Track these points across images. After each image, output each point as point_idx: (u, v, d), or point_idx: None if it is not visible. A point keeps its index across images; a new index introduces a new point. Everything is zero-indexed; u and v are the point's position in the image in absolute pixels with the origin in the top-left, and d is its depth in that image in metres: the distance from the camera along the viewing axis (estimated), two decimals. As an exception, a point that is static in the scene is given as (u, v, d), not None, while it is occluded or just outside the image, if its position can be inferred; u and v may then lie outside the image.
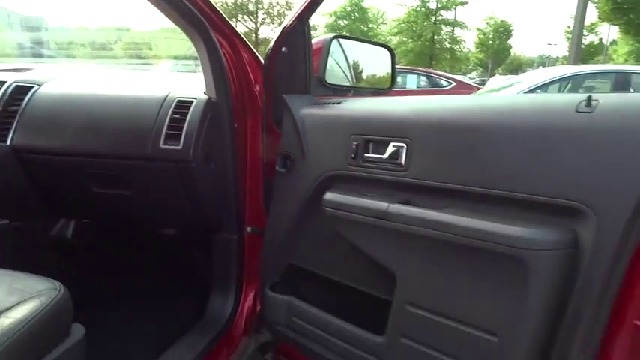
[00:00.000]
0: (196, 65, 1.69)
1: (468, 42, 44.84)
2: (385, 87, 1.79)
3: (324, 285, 1.45)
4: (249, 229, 1.73)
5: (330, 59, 1.64)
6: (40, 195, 1.76)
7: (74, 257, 1.98)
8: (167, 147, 1.51)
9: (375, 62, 1.87)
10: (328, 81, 1.62)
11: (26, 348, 0.99)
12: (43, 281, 1.17)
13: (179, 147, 1.50)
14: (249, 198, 1.73)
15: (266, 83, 1.60)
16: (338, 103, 1.42)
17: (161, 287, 2.02)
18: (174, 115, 1.54)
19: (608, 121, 0.91)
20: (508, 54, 46.99)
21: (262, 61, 1.66)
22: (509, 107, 1.07)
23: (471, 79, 24.41)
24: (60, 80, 1.77)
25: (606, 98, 0.94)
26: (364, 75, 1.96)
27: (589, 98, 0.94)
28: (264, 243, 1.61)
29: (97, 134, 1.58)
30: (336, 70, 1.74)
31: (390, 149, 1.22)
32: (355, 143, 1.29)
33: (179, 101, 1.56)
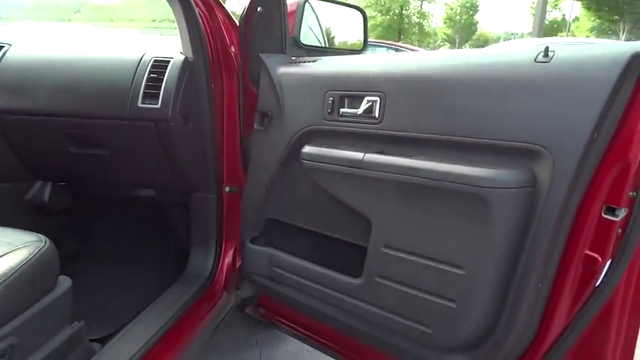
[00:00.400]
0: (165, 29, 1.71)
1: (436, 17, 45.05)
2: (358, 49, 1.84)
3: (303, 236, 1.52)
4: (227, 188, 1.78)
5: (304, 21, 1.68)
6: (16, 157, 1.76)
7: (51, 220, 1.99)
8: (145, 106, 1.54)
9: (347, 24, 1.92)
10: (303, 42, 1.67)
11: (14, 296, 1.03)
12: (28, 235, 1.20)
13: (158, 106, 1.53)
14: (226, 158, 1.77)
15: (242, 42, 1.63)
16: (314, 62, 1.47)
17: (141, 247, 2.06)
18: (152, 75, 1.56)
19: (564, 70, 1.00)
20: (475, 29, 47.42)
21: (237, 22, 1.69)
22: (473, 61, 1.15)
23: (439, 53, 24.49)
24: (31, 40, 1.76)
25: (562, 50, 1.03)
26: (337, 37, 2.01)
27: (546, 49, 1.03)
28: (243, 199, 1.67)
29: (74, 94, 1.58)
30: (309, 32, 1.78)
31: (364, 103, 1.29)
32: (331, 99, 1.35)
33: (156, 61, 1.58)
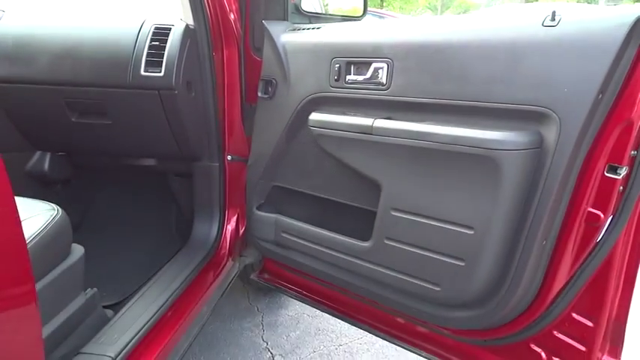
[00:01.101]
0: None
1: (418, -17, 44.37)
2: (357, 15, 1.84)
3: (310, 202, 1.55)
4: (229, 157, 1.79)
5: (304, -14, 1.67)
6: (14, 127, 1.74)
7: (51, 191, 1.99)
8: (149, 74, 1.52)
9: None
10: (304, 9, 1.66)
11: (32, 264, 1.05)
12: (41, 203, 1.21)
13: (161, 74, 1.52)
14: (227, 126, 1.78)
15: (243, 10, 1.62)
16: (317, 29, 1.47)
17: (143, 216, 2.07)
18: (153, 42, 1.54)
19: (571, 34, 1.03)
20: (456, -5, 46.96)
21: None
22: (480, 25, 1.17)
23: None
24: (24, 7, 1.71)
25: (568, 13, 1.06)
26: (334, 3, 1.99)
27: (553, 13, 1.05)
28: (248, 167, 1.69)
29: (73, 62, 1.56)
30: (312, -1, 1.77)
31: (371, 70, 1.30)
32: (337, 66, 1.36)
33: (157, 28, 1.56)
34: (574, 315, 1.21)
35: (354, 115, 1.33)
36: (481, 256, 1.16)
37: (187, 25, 1.58)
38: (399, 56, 1.25)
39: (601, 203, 1.08)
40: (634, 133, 1.01)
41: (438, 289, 1.25)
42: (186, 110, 1.62)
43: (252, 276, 1.93)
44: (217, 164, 1.77)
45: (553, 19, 1.05)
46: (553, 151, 1.05)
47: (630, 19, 0.96)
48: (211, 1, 1.63)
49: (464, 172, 1.15)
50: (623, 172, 1.05)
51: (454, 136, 1.14)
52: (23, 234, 0.77)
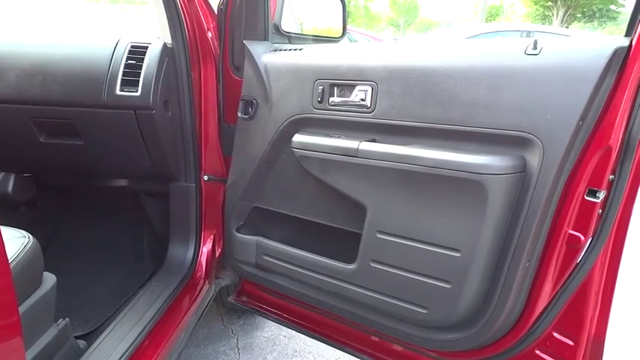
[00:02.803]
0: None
1: (381, 1, 45.44)
2: (336, 37, 1.85)
3: (292, 224, 1.53)
4: (205, 177, 1.76)
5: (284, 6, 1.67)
6: None
7: (15, 213, 1.89)
8: (124, 93, 1.48)
9: (326, 12, 1.92)
10: (284, 28, 1.66)
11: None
12: (10, 230, 1.14)
13: (138, 93, 1.48)
14: (204, 146, 1.75)
15: (221, 28, 1.60)
16: (300, 50, 1.47)
17: (115, 239, 2.00)
18: (130, 61, 1.50)
19: (553, 62, 1.06)
20: (418, 14, 48.26)
21: (213, 7, 1.65)
22: (465, 51, 1.19)
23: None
24: None
25: (549, 43, 1.09)
26: (316, 24, 2.00)
27: (535, 42, 1.09)
28: (227, 187, 1.65)
29: (44, 80, 1.50)
30: (289, 18, 1.77)
31: (356, 92, 1.31)
32: (321, 87, 1.36)
33: (133, 46, 1.53)
34: (555, 334, 1.23)
35: (339, 138, 1.33)
36: (467, 279, 1.17)
37: (165, 44, 1.55)
38: (384, 79, 1.26)
39: (581, 226, 1.11)
40: (612, 158, 1.05)
41: (424, 311, 1.25)
42: (163, 130, 1.58)
43: (230, 299, 1.89)
44: (194, 184, 1.73)
45: (535, 48, 1.08)
46: (537, 175, 1.08)
47: (609, 50, 1.00)
48: (190, 20, 1.61)
49: (450, 195, 1.17)
50: (602, 195, 1.08)
51: (440, 160, 1.15)
52: (8, 261, 0.72)
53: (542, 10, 29.40)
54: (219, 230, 1.78)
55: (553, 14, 27.30)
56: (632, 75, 1.00)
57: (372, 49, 1.35)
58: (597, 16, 29.08)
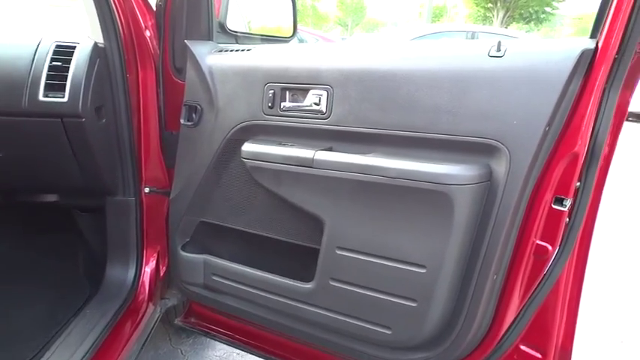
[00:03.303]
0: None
1: (328, 0, 45.68)
2: (287, 36, 1.75)
3: (243, 240, 1.42)
4: (146, 189, 1.61)
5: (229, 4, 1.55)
6: None
7: None
8: (49, 99, 1.31)
9: (275, 10, 1.81)
10: (230, 27, 1.54)
11: None
12: None
13: (64, 99, 1.32)
14: (144, 156, 1.59)
15: (161, 27, 1.46)
16: (248, 51, 1.36)
17: (46, 261, 1.80)
18: (55, 63, 1.33)
19: (518, 64, 1.00)
20: (365, 14, 48.85)
21: (151, 3, 1.51)
22: (426, 53, 1.12)
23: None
24: None
25: (512, 44, 1.04)
26: (265, 23, 1.88)
27: (499, 44, 1.03)
28: (170, 201, 1.51)
29: None
30: (236, 16, 1.65)
31: (310, 97, 1.21)
32: (271, 92, 1.26)
33: (58, 46, 1.36)
34: (523, 347, 1.19)
35: (292, 146, 1.23)
36: (434, 296, 1.10)
37: (96, 43, 1.39)
38: (340, 83, 1.17)
39: (549, 235, 1.06)
40: (579, 165, 1.00)
41: (388, 332, 1.17)
42: (96, 139, 1.42)
43: (177, 321, 1.74)
44: (133, 198, 1.58)
45: (499, 50, 1.02)
46: (504, 185, 1.02)
47: (575, 52, 0.95)
48: (124, 17, 1.46)
49: (413, 207, 1.09)
50: (569, 203, 1.04)
51: (402, 170, 1.07)
52: None
53: (483, 11, 30.48)
54: (164, 247, 1.64)
55: (493, 15, 28.36)
56: (599, 78, 0.95)
57: (326, 50, 1.26)
58: (534, 17, 30.48)
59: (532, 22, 30.67)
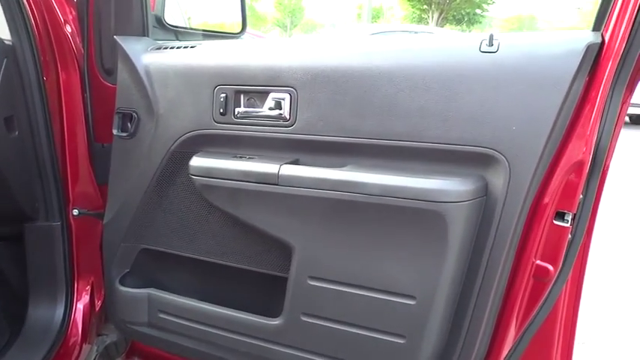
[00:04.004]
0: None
1: (266, 1, 45.37)
2: (235, 32, 1.55)
3: (195, 269, 1.22)
4: (75, 211, 1.37)
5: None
6: None
7: None
8: None
9: (219, 4, 1.60)
10: (168, 21, 1.33)
11: None
12: None
13: None
14: (71, 172, 1.36)
15: (83, 21, 1.24)
16: (192, 48, 1.16)
17: None
18: None
19: (514, 61, 0.87)
20: (303, 15, 48.89)
21: None
22: (408, 48, 0.97)
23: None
24: None
25: (506, 37, 0.91)
26: (207, 19, 1.68)
27: (491, 37, 0.89)
28: (104, 227, 1.29)
29: None
30: (174, 11, 1.44)
31: (269, 101, 1.03)
32: (223, 95, 1.07)
33: None
34: None
35: (252, 159, 1.04)
36: (425, 330, 0.95)
37: (2, 41, 1.15)
38: (306, 84, 1.00)
39: (550, 255, 0.94)
40: (584, 175, 0.89)
41: None
42: (6, 156, 1.18)
43: (117, 361, 1.51)
44: (59, 223, 1.34)
45: (491, 44, 0.88)
46: (503, 200, 0.89)
47: (580, 46, 0.83)
48: (38, 9, 1.22)
49: (398, 229, 0.93)
50: (570, 218, 0.92)
51: (385, 186, 0.91)
52: None
53: (418, 12, 31.36)
54: (99, 276, 1.41)
55: (429, 16, 29.23)
56: (606, 76, 0.84)
57: (289, 47, 1.08)
58: (466, 19, 31.74)
59: (464, 24, 31.92)
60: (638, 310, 2.55)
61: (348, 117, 0.97)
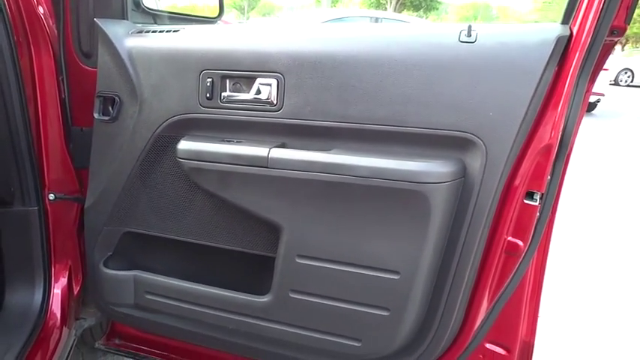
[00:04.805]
0: None
1: (222, -18, 44.24)
2: (213, 16, 1.54)
3: (181, 251, 1.23)
4: (51, 196, 1.35)
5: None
6: None
7: None
8: None
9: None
10: (146, 5, 1.32)
11: None
12: None
13: None
14: (47, 157, 1.33)
15: (61, 3, 1.21)
16: (176, 32, 1.16)
17: None
18: None
19: (491, 51, 0.93)
20: (260, -2, 48.07)
21: None
22: (390, 36, 1.01)
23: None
24: None
25: (484, 28, 0.97)
26: (175, 1, 1.66)
27: (469, 28, 0.95)
28: (85, 211, 1.28)
29: None
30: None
31: (256, 86, 1.06)
32: (209, 80, 1.08)
33: None
34: (487, 345, 1.16)
35: (240, 143, 1.07)
36: (408, 303, 1.02)
37: None
38: (293, 70, 1.03)
39: (520, 232, 1.03)
40: (551, 158, 0.97)
41: (358, 344, 1.07)
42: None
43: (98, 344, 1.51)
44: (36, 207, 1.32)
45: (469, 35, 0.94)
46: (479, 181, 0.96)
47: (551, 38, 0.90)
48: None
49: (383, 209, 0.99)
50: (539, 197, 1.01)
51: (371, 168, 0.96)
52: None
53: (376, -2, 31.48)
54: (76, 260, 1.40)
55: (387, 2, 29.37)
56: (573, 66, 0.92)
57: (275, 32, 1.10)
58: (423, 5, 32.11)
59: (422, 10, 32.31)
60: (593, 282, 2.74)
61: (334, 102, 1.01)
